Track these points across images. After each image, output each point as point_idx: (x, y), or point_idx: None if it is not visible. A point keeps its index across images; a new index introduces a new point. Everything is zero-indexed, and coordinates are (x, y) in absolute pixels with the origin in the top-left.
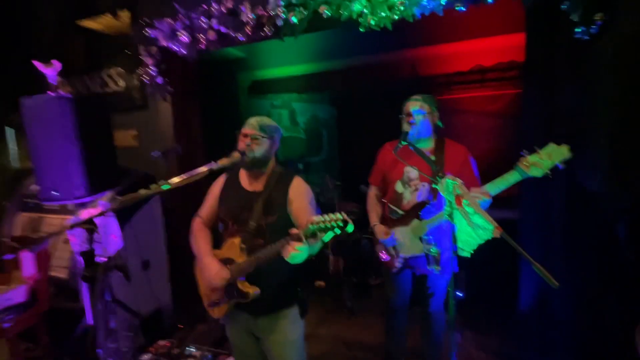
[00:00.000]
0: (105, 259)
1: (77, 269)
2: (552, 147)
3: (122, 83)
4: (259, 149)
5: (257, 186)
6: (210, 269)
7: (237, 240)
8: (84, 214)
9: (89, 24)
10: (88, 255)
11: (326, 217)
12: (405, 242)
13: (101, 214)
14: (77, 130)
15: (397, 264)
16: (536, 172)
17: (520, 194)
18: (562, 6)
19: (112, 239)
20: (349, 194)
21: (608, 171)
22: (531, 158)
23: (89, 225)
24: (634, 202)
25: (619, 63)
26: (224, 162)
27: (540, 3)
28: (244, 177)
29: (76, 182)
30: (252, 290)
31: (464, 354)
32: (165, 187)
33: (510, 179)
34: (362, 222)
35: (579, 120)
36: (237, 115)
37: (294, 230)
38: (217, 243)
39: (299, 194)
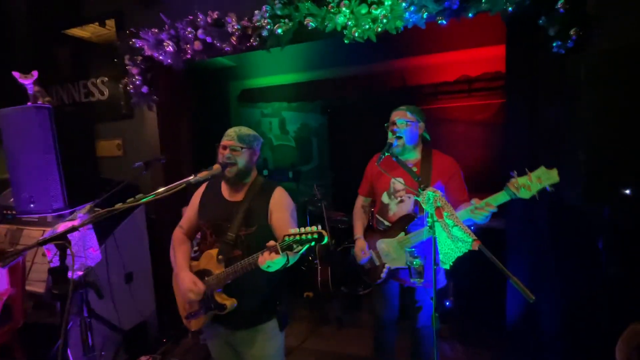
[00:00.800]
0: (81, 274)
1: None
2: (542, 171)
3: (107, 92)
4: (240, 160)
5: (238, 196)
6: (185, 282)
7: (214, 252)
8: (61, 227)
9: (76, 32)
10: (58, 272)
11: (302, 229)
12: (391, 253)
13: (73, 230)
14: (56, 141)
15: (383, 274)
16: (525, 194)
17: (506, 203)
18: (539, 21)
19: (90, 252)
20: (339, 202)
21: (586, 185)
22: (520, 180)
23: (61, 241)
24: (612, 215)
25: (595, 78)
26: (203, 174)
27: (519, 18)
28: (224, 186)
29: (54, 194)
30: (230, 302)
31: None
32: (143, 200)
33: (499, 198)
34: (350, 231)
35: (560, 133)
36: (227, 124)
37: (271, 243)
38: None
39: (280, 206)
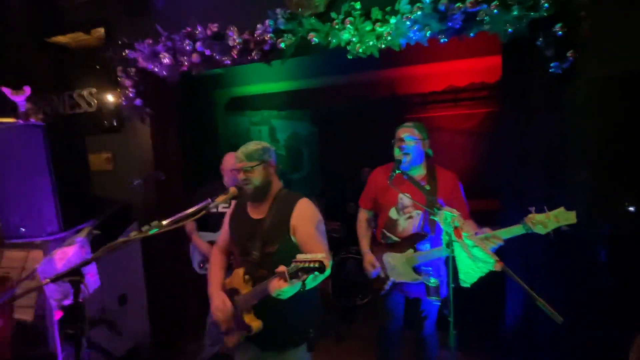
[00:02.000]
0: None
1: (44, 310)
2: (560, 211)
3: (94, 104)
4: (256, 179)
5: (260, 213)
6: (214, 300)
7: (241, 271)
8: (59, 254)
9: (59, 40)
10: (73, 310)
11: (307, 256)
12: (397, 268)
13: (88, 263)
14: (49, 161)
15: (386, 286)
16: (540, 230)
17: (500, 210)
18: (537, 42)
19: (89, 278)
20: (331, 211)
21: (587, 202)
22: (538, 217)
23: (75, 277)
24: (611, 231)
25: (592, 100)
26: (220, 199)
27: (517, 38)
28: (249, 204)
29: (48, 217)
30: (255, 324)
31: None
32: (160, 229)
33: (515, 231)
34: (346, 241)
35: (556, 147)
36: (215, 134)
37: (281, 269)
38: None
39: (303, 219)
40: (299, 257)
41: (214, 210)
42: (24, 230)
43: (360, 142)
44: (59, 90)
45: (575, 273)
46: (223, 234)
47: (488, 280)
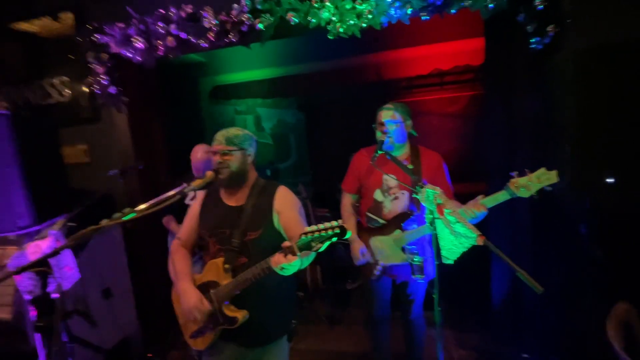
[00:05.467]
0: (58, 296)
1: (23, 307)
2: (542, 171)
3: (67, 93)
4: (233, 164)
5: (239, 200)
6: (189, 299)
7: (219, 261)
8: (31, 247)
9: (26, 27)
10: (41, 302)
11: (320, 226)
12: (385, 251)
13: (55, 253)
14: (17, 151)
15: (376, 271)
16: (524, 194)
17: (488, 192)
18: (518, 18)
19: (66, 272)
20: (321, 198)
21: (568, 174)
22: (521, 180)
23: (42, 268)
24: (593, 203)
25: (573, 74)
26: (197, 183)
27: (498, 14)
28: (224, 192)
29: (19, 210)
30: (241, 315)
31: (445, 353)
32: (130, 215)
33: (499, 197)
34: None
35: (539, 124)
36: (199, 123)
37: (287, 243)
38: None
39: (286, 205)
40: (308, 229)
41: (191, 202)
42: None
43: (348, 128)
44: (29, 80)
45: (559, 246)
46: (186, 228)
47: (474, 256)
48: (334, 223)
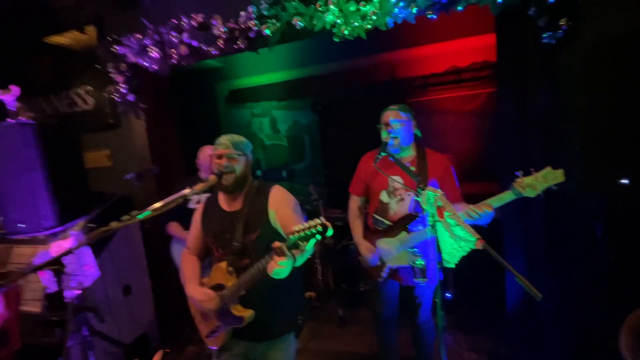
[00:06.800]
0: (79, 294)
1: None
2: (548, 170)
3: (91, 101)
4: (237, 168)
5: (236, 205)
6: (196, 295)
7: (223, 265)
8: (54, 247)
9: (56, 40)
10: (54, 298)
11: (305, 224)
12: (392, 252)
13: (68, 252)
14: (41, 158)
15: (383, 273)
16: (530, 193)
17: (500, 191)
18: (529, 12)
19: (86, 270)
20: (334, 199)
21: (582, 174)
22: (527, 180)
23: (56, 266)
24: (607, 203)
25: (586, 69)
26: (200, 187)
27: (508, 9)
28: (222, 198)
29: (44, 212)
30: (247, 314)
31: (455, 356)
32: (138, 217)
33: (505, 197)
34: (348, 228)
35: (552, 122)
36: (216, 127)
37: (277, 244)
38: None
39: (281, 203)
40: (295, 228)
41: (196, 205)
42: (23, 226)
43: (361, 128)
44: (57, 90)
45: (573, 248)
46: (192, 237)
47: (488, 261)
48: (317, 221)
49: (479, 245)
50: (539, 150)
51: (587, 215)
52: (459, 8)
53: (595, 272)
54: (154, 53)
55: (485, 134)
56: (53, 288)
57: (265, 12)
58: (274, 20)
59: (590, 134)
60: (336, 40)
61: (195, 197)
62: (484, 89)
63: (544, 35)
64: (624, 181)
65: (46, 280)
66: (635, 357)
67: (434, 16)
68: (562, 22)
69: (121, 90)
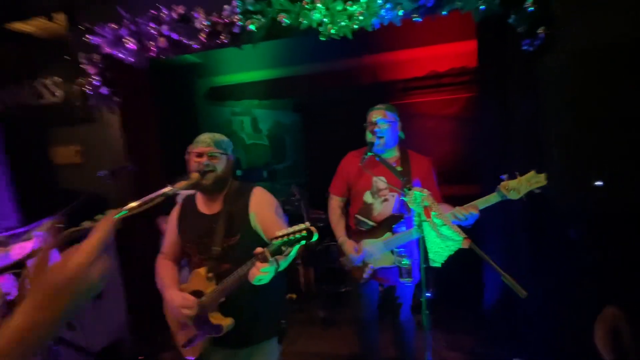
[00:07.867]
0: None
1: (9, 312)
2: (531, 174)
3: (59, 93)
4: (218, 167)
5: (215, 207)
6: (175, 301)
7: (202, 270)
8: (16, 249)
9: (20, 27)
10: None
11: (289, 229)
12: (375, 254)
13: (32, 255)
14: (4, 151)
15: (366, 274)
16: (514, 196)
17: (481, 194)
18: (509, 20)
19: None
20: (316, 200)
21: (559, 175)
22: (511, 183)
23: (18, 270)
24: (587, 205)
25: (564, 76)
26: (181, 184)
27: (490, 16)
28: (200, 201)
29: (5, 211)
30: (225, 323)
31: (436, 355)
32: (116, 217)
33: (491, 199)
34: (330, 229)
35: (531, 126)
36: (195, 125)
37: (259, 250)
38: None
39: (262, 206)
40: (279, 232)
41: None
42: None
43: (343, 129)
44: (22, 80)
45: (553, 249)
46: (167, 242)
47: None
48: (302, 225)
49: (466, 245)
50: (518, 153)
51: (566, 216)
52: (444, 12)
53: (574, 270)
54: (131, 44)
55: (464, 137)
56: (14, 294)
57: (250, 7)
58: (259, 16)
59: (567, 138)
60: (322, 39)
61: (184, 192)
62: (463, 94)
63: (523, 42)
64: (599, 183)
65: (6, 285)
66: (608, 349)
67: (420, 19)
68: (541, 30)
69: (93, 82)
